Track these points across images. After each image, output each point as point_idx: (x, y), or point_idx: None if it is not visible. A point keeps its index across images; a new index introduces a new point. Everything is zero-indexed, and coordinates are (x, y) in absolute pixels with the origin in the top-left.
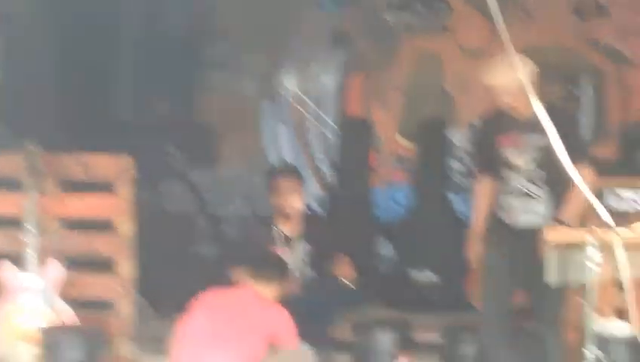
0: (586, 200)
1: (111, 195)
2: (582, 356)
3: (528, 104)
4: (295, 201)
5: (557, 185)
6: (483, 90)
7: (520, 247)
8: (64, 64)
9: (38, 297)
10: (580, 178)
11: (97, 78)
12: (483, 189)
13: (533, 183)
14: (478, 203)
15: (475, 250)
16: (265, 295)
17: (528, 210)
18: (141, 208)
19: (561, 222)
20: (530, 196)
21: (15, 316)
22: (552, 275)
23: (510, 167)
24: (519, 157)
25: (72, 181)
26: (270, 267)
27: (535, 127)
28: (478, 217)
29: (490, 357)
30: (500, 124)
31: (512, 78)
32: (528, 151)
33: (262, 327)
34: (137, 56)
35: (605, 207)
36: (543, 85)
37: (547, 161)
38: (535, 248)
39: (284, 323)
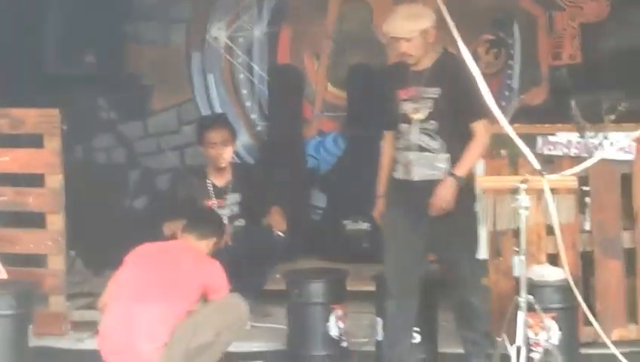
0: (481, 156)
1: (40, 149)
2: (515, 302)
3: (426, 55)
4: (226, 152)
5: (453, 138)
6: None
7: (418, 203)
8: None
9: None
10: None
11: (23, 31)
12: (386, 145)
13: (430, 136)
14: (381, 160)
15: (379, 209)
16: (199, 248)
17: (424, 163)
18: (71, 162)
19: (456, 177)
20: (426, 150)
21: None
22: (485, 222)
23: (406, 120)
24: (415, 109)
25: (1, 135)
26: (205, 223)
27: (431, 78)
28: (381, 175)
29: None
30: (398, 76)
31: (410, 28)
32: (424, 103)
33: (194, 279)
34: (64, 7)
35: (537, 153)
36: (474, 30)
37: (443, 114)
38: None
39: (216, 275)
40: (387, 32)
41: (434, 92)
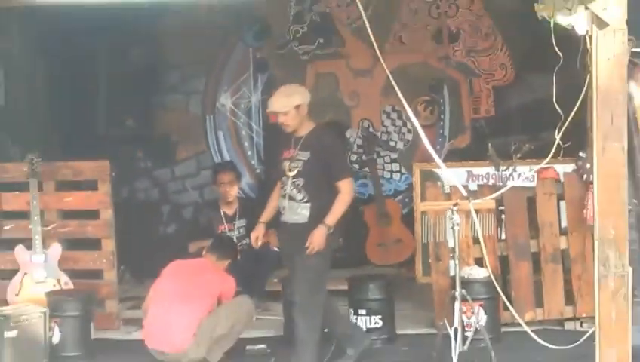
0: (346, 207)
1: (95, 192)
2: (451, 295)
3: (302, 125)
4: (233, 190)
5: (315, 192)
6: (369, 99)
7: (290, 240)
8: (54, 92)
9: (44, 270)
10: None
11: (80, 102)
12: (275, 190)
13: (297, 189)
14: (268, 203)
15: (257, 231)
16: (218, 266)
17: (292, 210)
18: (118, 200)
19: (326, 225)
20: (293, 199)
21: (27, 285)
22: (425, 236)
23: (284, 174)
24: (290, 167)
25: (65, 181)
26: (224, 248)
27: (304, 144)
28: (266, 208)
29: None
30: (286, 140)
31: (285, 104)
32: (297, 163)
33: (214, 288)
34: (110, 84)
35: (464, 184)
36: (414, 93)
37: (308, 173)
38: (300, 241)
39: (229, 286)
40: (269, 107)
41: (304, 155)
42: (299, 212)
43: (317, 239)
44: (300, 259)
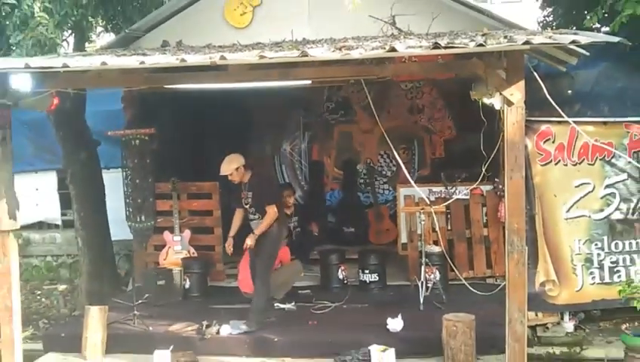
0: (269, 224)
1: (210, 200)
2: (419, 263)
3: (245, 177)
4: (291, 200)
5: (262, 213)
6: (371, 147)
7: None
8: (189, 141)
9: (180, 245)
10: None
11: (203, 147)
12: (237, 214)
13: (253, 213)
14: (233, 223)
15: (229, 243)
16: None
17: (255, 225)
18: (224, 205)
19: (255, 234)
20: (253, 219)
21: (171, 254)
22: (405, 227)
23: (245, 205)
24: (246, 202)
25: (193, 193)
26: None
27: (248, 187)
28: (232, 227)
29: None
30: (240, 186)
31: (227, 168)
32: (247, 199)
33: (279, 255)
34: (221, 138)
35: (427, 197)
36: (397, 144)
37: (254, 203)
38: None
39: (286, 253)
40: (221, 172)
41: (250, 194)
42: (256, 225)
43: (248, 240)
44: (256, 250)
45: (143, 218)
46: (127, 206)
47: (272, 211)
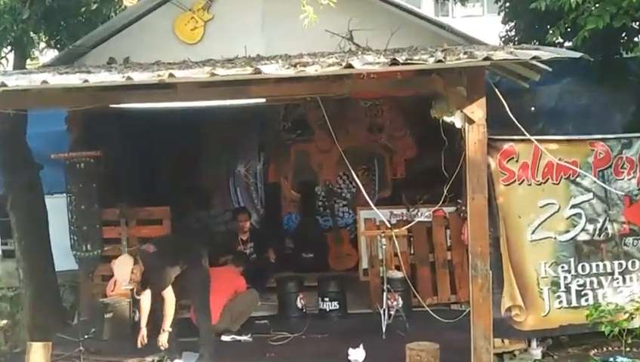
0: None
1: (160, 226)
2: (381, 289)
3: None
4: (246, 225)
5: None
6: (329, 168)
7: None
8: (138, 163)
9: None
10: None
11: (153, 170)
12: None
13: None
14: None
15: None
16: (236, 270)
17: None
18: (175, 231)
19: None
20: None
21: (119, 285)
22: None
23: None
24: None
25: (142, 219)
26: (239, 260)
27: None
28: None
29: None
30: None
31: (128, 277)
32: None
33: (233, 285)
34: (173, 158)
35: (388, 220)
36: (357, 164)
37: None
38: None
39: (242, 283)
40: (120, 282)
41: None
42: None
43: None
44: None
45: (89, 246)
46: (72, 234)
47: (170, 298)
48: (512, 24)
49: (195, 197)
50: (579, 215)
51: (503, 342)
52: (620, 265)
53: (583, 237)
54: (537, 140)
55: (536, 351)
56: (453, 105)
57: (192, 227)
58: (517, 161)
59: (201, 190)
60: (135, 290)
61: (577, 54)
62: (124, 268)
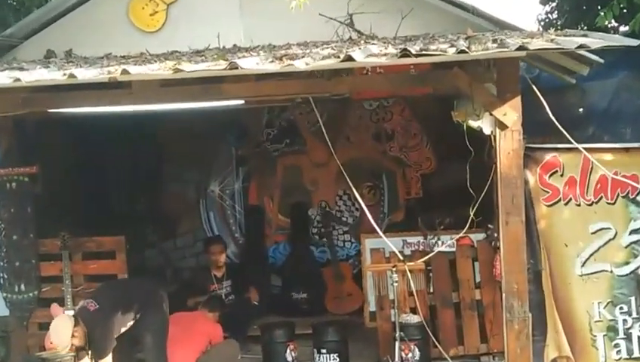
0: None
1: (114, 261)
2: (392, 337)
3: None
4: (221, 258)
5: None
6: (326, 186)
7: None
8: (82, 182)
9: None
10: None
11: (102, 190)
12: None
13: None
14: None
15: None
16: (209, 317)
17: None
18: (132, 266)
19: None
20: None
21: None
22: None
23: None
24: None
25: (90, 252)
26: (213, 303)
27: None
28: None
29: None
30: None
31: (64, 339)
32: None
33: (206, 334)
34: (127, 175)
35: (400, 250)
36: (360, 180)
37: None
38: None
39: (218, 332)
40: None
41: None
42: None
43: None
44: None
45: (22, 287)
46: (2, 271)
47: None
48: (554, 4)
49: (157, 224)
50: None
51: None
52: None
53: None
54: (587, 149)
55: None
56: (480, 107)
57: (153, 262)
58: (562, 176)
59: (165, 215)
60: (77, 356)
61: (635, 42)
62: (62, 332)
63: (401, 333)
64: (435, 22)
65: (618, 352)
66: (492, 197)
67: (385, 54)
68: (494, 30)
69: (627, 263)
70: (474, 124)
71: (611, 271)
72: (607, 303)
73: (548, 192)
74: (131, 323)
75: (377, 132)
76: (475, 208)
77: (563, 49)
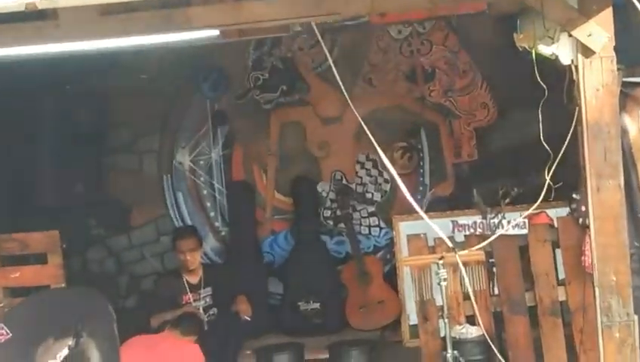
0: None
1: (45, 265)
2: (443, 358)
3: None
4: (193, 257)
5: None
6: (340, 149)
7: None
8: None
9: None
10: None
11: (22, 169)
12: None
13: None
14: None
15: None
16: (182, 341)
17: None
18: (71, 273)
19: None
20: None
21: None
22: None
23: None
24: None
25: (11, 256)
26: (187, 321)
27: None
28: None
29: None
30: None
31: None
32: None
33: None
34: (54, 150)
35: (450, 236)
36: (389, 139)
37: None
38: None
39: (197, 358)
40: None
41: None
42: None
43: None
44: None
45: None
46: None
47: None
48: None
49: (103, 213)
50: None
51: None
52: None
53: None
54: None
55: None
56: (554, 26)
57: (100, 266)
58: None
59: (113, 201)
60: None
61: None
62: None
63: (455, 353)
64: None
65: None
66: (576, 155)
67: None
68: None
69: None
70: (546, 50)
71: None
72: None
73: None
74: (63, 354)
75: (411, 70)
76: (553, 171)
77: None
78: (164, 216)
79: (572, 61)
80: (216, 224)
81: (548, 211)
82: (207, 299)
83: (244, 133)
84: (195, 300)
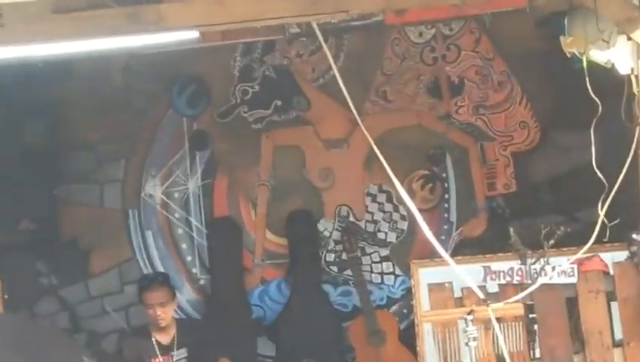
0: None
1: None
2: None
3: None
4: (164, 312)
5: None
6: (347, 178)
7: None
8: None
9: None
10: None
11: None
12: None
13: None
14: None
15: None
16: None
17: None
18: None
19: None
20: None
21: None
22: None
23: None
24: None
25: None
26: None
27: None
28: None
29: None
30: None
31: None
32: None
33: None
34: None
35: (482, 285)
36: (408, 167)
37: None
38: None
39: None
40: None
41: None
42: None
43: None
44: None
45: None
46: None
47: None
48: None
49: (55, 256)
50: None
51: None
52: None
53: None
54: None
55: None
56: (610, 27)
57: (51, 321)
58: None
59: (67, 241)
60: None
61: None
62: None
63: None
64: None
65: None
66: (636, 186)
67: None
68: None
69: None
70: (600, 56)
71: None
72: None
73: None
74: None
75: (434, 81)
76: (608, 205)
77: None
78: (129, 261)
79: (631, 70)
80: (194, 271)
81: (601, 255)
82: None
83: (229, 159)
84: None
